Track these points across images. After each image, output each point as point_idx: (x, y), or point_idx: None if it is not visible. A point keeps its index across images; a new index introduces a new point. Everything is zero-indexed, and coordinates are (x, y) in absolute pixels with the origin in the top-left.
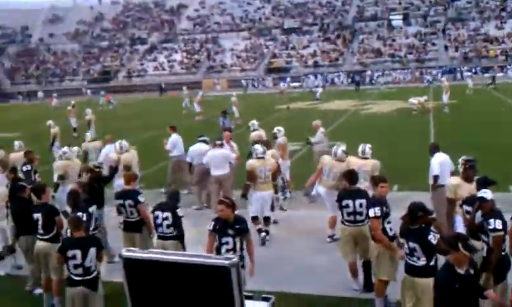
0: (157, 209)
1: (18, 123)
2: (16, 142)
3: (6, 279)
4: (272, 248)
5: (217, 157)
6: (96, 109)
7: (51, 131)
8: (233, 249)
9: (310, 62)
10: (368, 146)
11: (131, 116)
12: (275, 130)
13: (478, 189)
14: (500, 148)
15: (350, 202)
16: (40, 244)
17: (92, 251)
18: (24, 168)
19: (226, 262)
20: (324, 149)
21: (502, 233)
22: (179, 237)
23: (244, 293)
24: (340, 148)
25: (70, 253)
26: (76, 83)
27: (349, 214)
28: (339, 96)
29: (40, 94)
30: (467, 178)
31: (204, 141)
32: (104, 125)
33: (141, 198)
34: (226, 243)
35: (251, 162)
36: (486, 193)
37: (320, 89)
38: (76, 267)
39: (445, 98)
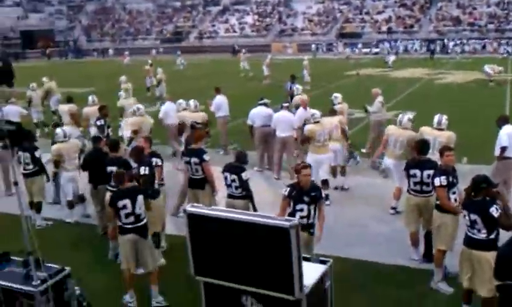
0: (225, 170)
1: (92, 78)
2: (90, 97)
3: (75, 226)
4: (334, 213)
5: (283, 120)
6: (171, 68)
7: (122, 87)
8: (307, 217)
9: (384, 28)
10: (445, 117)
11: (200, 76)
12: (332, 97)
13: None
14: None
15: (417, 172)
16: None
17: (140, 198)
18: (98, 123)
19: (287, 224)
20: (381, 119)
21: None
22: (248, 197)
23: (303, 255)
24: (406, 116)
25: (120, 204)
26: (148, 42)
27: (415, 184)
28: (412, 64)
29: (110, 52)
30: None
31: (265, 104)
32: (174, 85)
33: (206, 157)
34: (301, 210)
35: (310, 127)
36: None
37: (393, 57)
38: (127, 215)
39: None
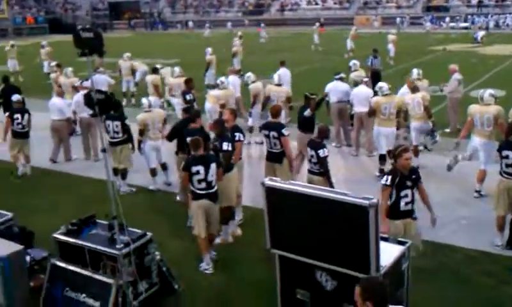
0: (307, 145)
1: (176, 50)
2: (176, 69)
3: (158, 193)
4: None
5: (360, 95)
6: (252, 41)
7: (207, 58)
8: (412, 202)
9: (474, 1)
10: (489, 91)
11: (280, 50)
12: (411, 72)
13: None
14: None
15: (511, 153)
16: None
17: (213, 166)
18: (188, 97)
19: (366, 202)
20: (459, 97)
21: None
22: (324, 174)
23: (380, 235)
24: (487, 91)
25: (194, 169)
26: (231, 15)
27: (507, 166)
28: (503, 40)
29: (190, 24)
30: None
31: (341, 79)
32: (253, 58)
33: (285, 131)
34: (406, 196)
35: (376, 99)
36: None
37: (482, 32)
38: (200, 181)
39: None
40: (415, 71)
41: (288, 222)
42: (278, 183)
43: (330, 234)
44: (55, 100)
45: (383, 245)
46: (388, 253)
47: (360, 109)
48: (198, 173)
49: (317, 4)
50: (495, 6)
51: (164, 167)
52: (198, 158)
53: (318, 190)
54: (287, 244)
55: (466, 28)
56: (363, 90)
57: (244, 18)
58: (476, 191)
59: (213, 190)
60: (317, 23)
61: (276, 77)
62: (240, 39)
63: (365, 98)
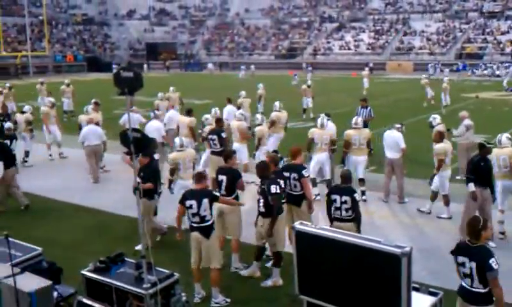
0: (333, 192)
1: (210, 90)
2: (212, 110)
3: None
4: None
5: (389, 140)
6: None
7: (257, 92)
8: None
9: (508, 50)
10: (506, 135)
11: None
12: (430, 118)
13: None
14: None
15: None
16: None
17: (205, 201)
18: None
19: (398, 251)
20: (467, 143)
21: None
22: (356, 220)
23: (412, 285)
24: (504, 135)
25: (187, 203)
26: (264, 57)
27: None
28: None
29: (210, 66)
30: None
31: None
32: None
33: (305, 173)
34: None
35: (347, 132)
36: None
37: (507, 78)
38: (193, 215)
39: None
40: (437, 117)
41: (318, 268)
42: (310, 228)
43: (360, 282)
44: (94, 127)
45: (414, 295)
46: (420, 304)
47: (389, 154)
48: (191, 207)
49: (349, 49)
50: None
51: None
52: (191, 192)
53: (350, 236)
54: (316, 290)
55: (499, 76)
56: (391, 135)
57: (276, 61)
58: (500, 232)
59: (205, 224)
60: (367, 68)
61: (319, 121)
62: (309, 88)
63: (393, 143)
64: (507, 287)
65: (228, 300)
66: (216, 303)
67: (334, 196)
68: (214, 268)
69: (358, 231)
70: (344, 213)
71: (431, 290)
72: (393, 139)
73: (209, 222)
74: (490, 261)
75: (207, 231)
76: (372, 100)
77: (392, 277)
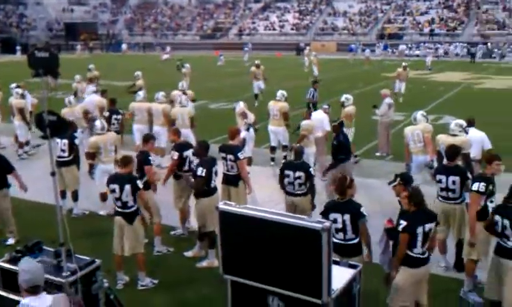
0: (286, 168)
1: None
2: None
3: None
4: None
5: (315, 120)
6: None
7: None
8: None
9: (426, 30)
10: (455, 122)
11: (236, 74)
12: (343, 98)
13: None
14: None
15: (443, 177)
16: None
17: (127, 187)
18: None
19: (319, 226)
20: (388, 121)
21: None
22: (309, 193)
23: (333, 259)
24: (419, 112)
25: (111, 187)
26: (189, 38)
27: (441, 190)
28: (452, 68)
29: (124, 46)
30: None
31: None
32: (205, 82)
33: (241, 155)
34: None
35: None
36: None
37: (430, 58)
38: (116, 199)
39: None
40: (349, 97)
41: (242, 247)
42: (232, 207)
43: (283, 258)
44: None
45: (334, 268)
46: (340, 277)
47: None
48: (114, 191)
49: (274, 29)
50: (445, 34)
51: None
52: (115, 176)
53: (272, 215)
54: (240, 269)
55: (417, 56)
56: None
57: (200, 42)
58: None
59: (128, 210)
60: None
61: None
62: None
63: (321, 124)
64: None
65: (156, 281)
66: (143, 286)
67: (287, 172)
68: (138, 253)
69: (312, 204)
70: (297, 187)
71: (351, 262)
72: (320, 120)
73: (132, 209)
74: (361, 209)
75: (129, 217)
76: (300, 81)
77: (313, 252)
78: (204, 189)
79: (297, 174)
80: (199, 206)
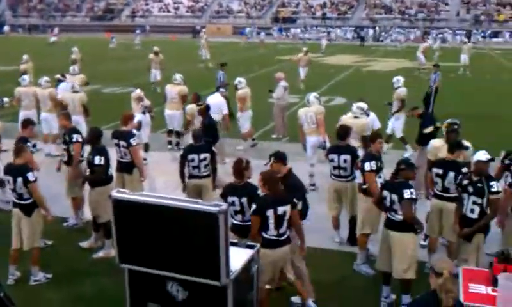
0: (190, 152)
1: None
2: (26, 77)
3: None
4: None
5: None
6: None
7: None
8: None
9: (318, 14)
10: (357, 105)
11: (129, 57)
12: (236, 81)
13: (449, 152)
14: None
15: (335, 157)
16: None
17: (19, 180)
18: None
19: (215, 209)
20: (284, 104)
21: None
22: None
23: (230, 241)
24: (312, 94)
25: (5, 178)
26: (79, 19)
27: (334, 168)
28: (344, 50)
29: (6, 28)
30: (448, 141)
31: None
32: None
33: (133, 141)
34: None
35: None
36: (484, 154)
37: (324, 42)
38: (12, 191)
39: (465, 59)
40: (242, 80)
41: (138, 235)
42: (126, 195)
43: (180, 244)
44: None
45: (232, 250)
46: (238, 258)
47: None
48: (8, 182)
49: (169, 11)
50: (336, 18)
51: (2, 183)
52: (8, 167)
53: (167, 200)
54: (137, 257)
55: (309, 39)
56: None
57: (91, 23)
58: (310, 185)
59: (24, 202)
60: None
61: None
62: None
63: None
64: (323, 232)
65: (49, 276)
66: (36, 281)
67: (191, 156)
68: (34, 247)
69: (214, 185)
70: (202, 170)
71: (249, 243)
72: (217, 103)
73: (29, 201)
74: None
75: (27, 209)
76: (196, 64)
77: (210, 235)
78: (102, 178)
79: (202, 156)
80: (93, 195)
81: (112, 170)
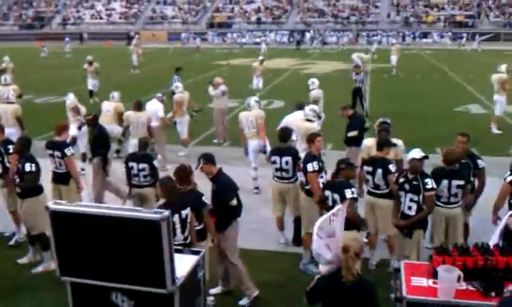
0: (130, 160)
1: None
2: None
3: None
4: None
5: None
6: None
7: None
8: None
9: (253, 18)
10: (311, 108)
11: (61, 66)
12: (173, 87)
13: (378, 150)
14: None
15: (277, 158)
16: None
17: None
18: None
19: (157, 216)
20: (223, 109)
21: (434, 192)
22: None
23: (175, 247)
24: (253, 98)
25: None
26: (6, 28)
27: (276, 170)
28: (280, 54)
29: None
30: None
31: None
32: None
33: (68, 151)
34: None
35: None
36: (418, 152)
37: (264, 46)
38: None
39: (394, 60)
40: (179, 85)
41: (78, 246)
42: (63, 206)
43: (123, 252)
44: None
45: (177, 257)
46: (183, 264)
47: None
48: None
49: (101, 18)
50: (271, 23)
51: None
52: None
53: (106, 210)
54: (78, 269)
55: (245, 43)
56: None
57: (20, 32)
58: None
59: None
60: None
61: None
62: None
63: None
64: (268, 234)
65: None
66: None
67: (131, 164)
68: None
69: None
70: (142, 179)
71: (194, 249)
72: (154, 109)
73: None
74: (203, 198)
75: None
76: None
77: (153, 243)
78: (33, 187)
79: (141, 166)
80: (25, 207)
81: (48, 182)
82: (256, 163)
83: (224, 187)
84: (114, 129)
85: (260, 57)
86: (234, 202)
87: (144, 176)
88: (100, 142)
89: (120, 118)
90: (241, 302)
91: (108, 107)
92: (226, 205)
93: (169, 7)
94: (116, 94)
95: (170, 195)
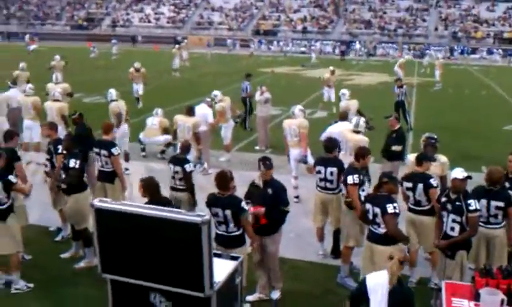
0: (170, 162)
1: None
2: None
3: None
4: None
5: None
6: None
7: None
8: None
9: (299, 27)
10: (363, 119)
11: (109, 67)
12: (212, 95)
13: (417, 165)
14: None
15: (322, 168)
16: None
17: None
18: None
19: (199, 219)
20: (266, 116)
21: (479, 213)
22: (188, 189)
23: (214, 251)
24: (298, 107)
25: None
26: (58, 28)
27: (320, 180)
28: (325, 64)
29: None
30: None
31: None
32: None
33: (115, 150)
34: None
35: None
36: (461, 172)
37: (314, 55)
38: None
39: (437, 74)
40: (217, 93)
41: (120, 244)
42: (108, 204)
43: (163, 254)
44: None
45: (216, 261)
46: (221, 269)
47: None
48: None
49: (150, 21)
50: (317, 32)
51: None
52: None
53: (150, 210)
54: (119, 267)
55: (288, 52)
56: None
57: (71, 32)
58: (294, 197)
59: (0, 207)
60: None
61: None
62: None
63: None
64: (307, 244)
65: (31, 285)
66: (17, 289)
67: (170, 165)
68: (13, 253)
69: (193, 199)
70: (177, 182)
71: (232, 255)
72: (203, 114)
73: (5, 206)
74: (242, 204)
75: (2, 215)
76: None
77: (193, 246)
78: (77, 183)
79: (176, 168)
80: (70, 202)
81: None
82: (297, 172)
83: (283, 191)
84: (159, 139)
85: (331, 68)
86: (289, 207)
87: (179, 180)
88: (80, 142)
89: (165, 131)
90: (273, 295)
91: (153, 122)
92: (281, 209)
93: (217, 14)
94: (159, 110)
95: (153, 194)
